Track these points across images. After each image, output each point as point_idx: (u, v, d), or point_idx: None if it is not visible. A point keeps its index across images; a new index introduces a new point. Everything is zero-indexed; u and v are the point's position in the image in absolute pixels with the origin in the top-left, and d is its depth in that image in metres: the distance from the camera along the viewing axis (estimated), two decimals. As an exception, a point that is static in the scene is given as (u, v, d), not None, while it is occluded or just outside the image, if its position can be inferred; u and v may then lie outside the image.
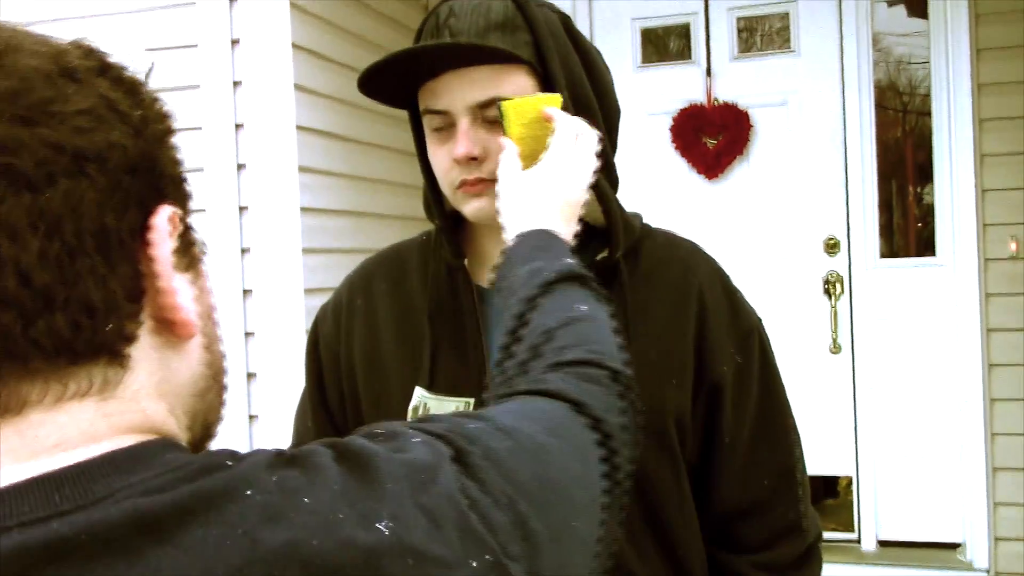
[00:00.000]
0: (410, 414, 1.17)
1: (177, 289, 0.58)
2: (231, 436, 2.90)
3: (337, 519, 0.51)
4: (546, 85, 1.13)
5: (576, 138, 1.07)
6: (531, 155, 1.08)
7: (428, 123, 1.15)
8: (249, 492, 0.51)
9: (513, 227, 1.01)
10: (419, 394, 1.18)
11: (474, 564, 0.54)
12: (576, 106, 1.13)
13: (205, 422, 0.64)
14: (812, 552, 1.22)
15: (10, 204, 0.50)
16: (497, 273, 0.96)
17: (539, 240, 0.97)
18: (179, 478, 0.51)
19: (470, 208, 1.14)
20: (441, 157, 1.14)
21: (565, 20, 1.19)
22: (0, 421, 0.51)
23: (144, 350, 0.57)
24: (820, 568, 1.23)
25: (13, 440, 0.51)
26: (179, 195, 0.60)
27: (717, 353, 1.19)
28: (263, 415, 2.92)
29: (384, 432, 0.61)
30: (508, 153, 1.08)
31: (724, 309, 1.21)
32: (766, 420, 1.21)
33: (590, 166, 1.07)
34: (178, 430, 0.60)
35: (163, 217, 0.57)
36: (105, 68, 0.58)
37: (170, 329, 0.58)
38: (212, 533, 0.48)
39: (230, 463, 0.53)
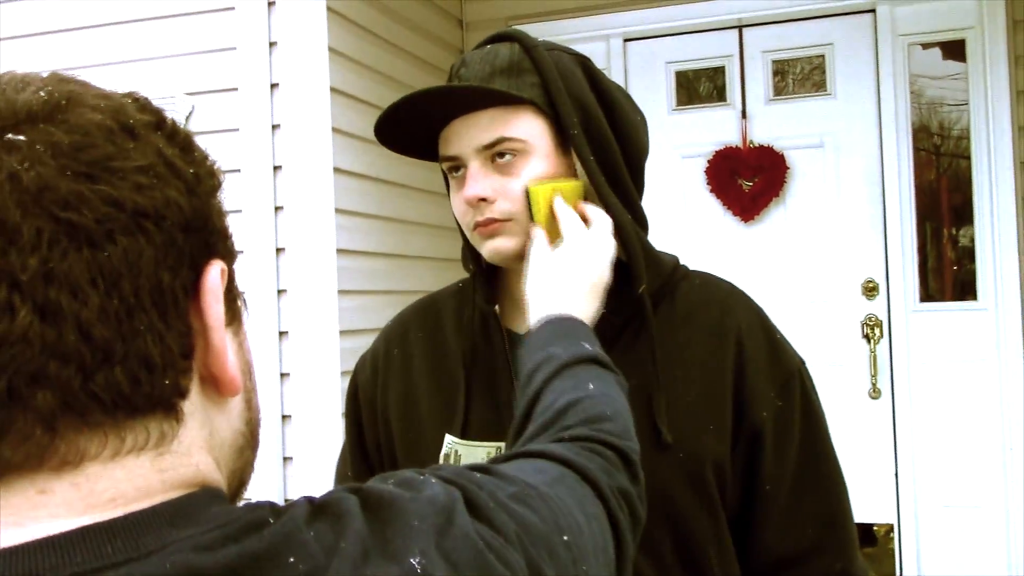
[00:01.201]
0: (441, 461, 1.17)
1: (228, 346, 0.59)
2: (265, 478, 2.89)
3: (367, 570, 0.53)
4: (557, 125, 1.15)
5: (588, 224, 1.12)
6: (559, 235, 1.13)
7: (446, 170, 1.20)
8: (292, 560, 0.52)
9: (535, 312, 1.05)
10: (449, 441, 1.19)
11: None
12: (592, 146, 1.15)
13: (241, 479, 0.65)
14: None
15: (72, 260, 0.51)
16: (521, 357, 1.00)
17: (559, 327, 1.01)
18: (227, 536, 0.52)
19: (486, 249, 1.17)
20: (458, 201, 1.18)
21: (584, 61, 1.21)
22: (59, 473, 0.52)
23: (194, 405, 0.58)
24: None
25: (70, 493, 0.52)
26: (226, 250, 0.61)
27: (757, 398, 1.17)
28: (297, 457, 2.91)
29: (400, 478, 0.63)
30: (537, 239, 1.12)
31: (764, 352, 1.19)
32: (809, 467, 1.18)
33: (608, 248, 1.11)
34: (223, 482, 0.61)
35: (215, 275, 0.58)
36: (160, 124, 0.59)
37: (215, 386, 0.59)
38: None
39: (271, 520, 0.54)
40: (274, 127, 2.95)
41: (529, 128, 1.14)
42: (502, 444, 1.11)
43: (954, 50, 3.73)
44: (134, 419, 0.53)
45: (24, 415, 0.50)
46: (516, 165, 1.14)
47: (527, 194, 1.13)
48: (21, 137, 0.52)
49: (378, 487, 0.59)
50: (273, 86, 2.96)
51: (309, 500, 0.57)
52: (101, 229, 0.52)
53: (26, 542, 0.49)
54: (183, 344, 0.56)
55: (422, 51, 3.61)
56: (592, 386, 0.89)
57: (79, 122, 0.54)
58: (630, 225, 1.16)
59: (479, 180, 1.14)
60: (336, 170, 2.94)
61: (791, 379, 1.20)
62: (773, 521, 1.17)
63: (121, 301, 0.52)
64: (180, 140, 0.59)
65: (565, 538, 0.64)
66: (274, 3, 2.94)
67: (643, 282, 1.16)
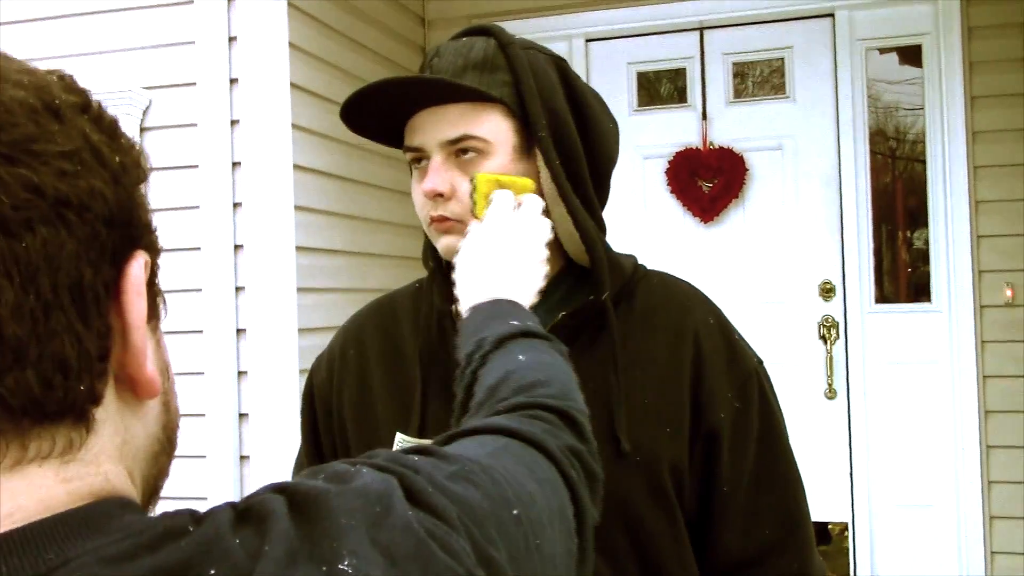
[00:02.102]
0: None
1: (148, 346, 0.54)
2: (222, 477, 2.86)
3: (295, 572, 0.49)
4: (524, 126, 1.14)
5: (515, 207, 1.09)
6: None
7: (409, 160, 1.18)
8: (212, 572, 0.47)
9: (463, 302, 1.03)
10: (400, 439, 1.17)
11: None
12: (559, 149, 1.14)
13: (155, 486, 0.60)
14: None
15: None
16: (457, 351, 0.97)
17: (487, 312, 0.97)
18: (140, 545, 0.47)
19: (440, 244, 1.16)
20: (417, 193, 1.17)
21: (560, 64, 1.19)
22: None
23: (107, 411, 0.53)
24: None
25: None
26: (150, 244, 0.57)
27: (714, 399, 1.16)
28: (255, 456, 2.88)
29: (330, 472, 0.58)
30: (470, 231, 1.10)
31: (721, 353, 1.19)
32: (766, 468, 1.18)
33: (536, 226, 1.08)
34: (135, 493, 0.56)
35: (138, 269, 0.54)
36: (87, 106, 0.54)
37: (132, 388, 0.55)
38: None
39: (191, 528, 0.49)
40: (233, 123, 2.93)
41: (495, 128, 1.13)
42: None
43: (910, 55, 3.78)
44: (41, 426, 0.49)
45: None
46: (478, 163, 1.13)
47: (471, 181, 1.11)
48: None
49: (306, 483, 0.55)
50: (232, 81, 2.93)
51: (232, 505, 0.53)
52: (19, 217, 0.47)
53: None
54: (101, 345, 0.51)
55: (383, 48, 3.59)
56: (523, 357, 0.86)
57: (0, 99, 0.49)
58: (593, 231, 1.16)
59: (440, 174, 1.12)
60: (296, 167, 2.92)
61: (749, 380, 1.19)
62: (731, 522, 1.17)
63: (38, 297, 0.47)
64: (106, 125, 0.55)
65: (515, 512, 0.61)
66: (234, -3, 2.92)
67: (606, 288, 1.15)
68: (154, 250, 0.58)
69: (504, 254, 1.05)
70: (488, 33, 1.17)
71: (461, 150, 1.13)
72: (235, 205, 2.92)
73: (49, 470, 0.49)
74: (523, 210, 1.09)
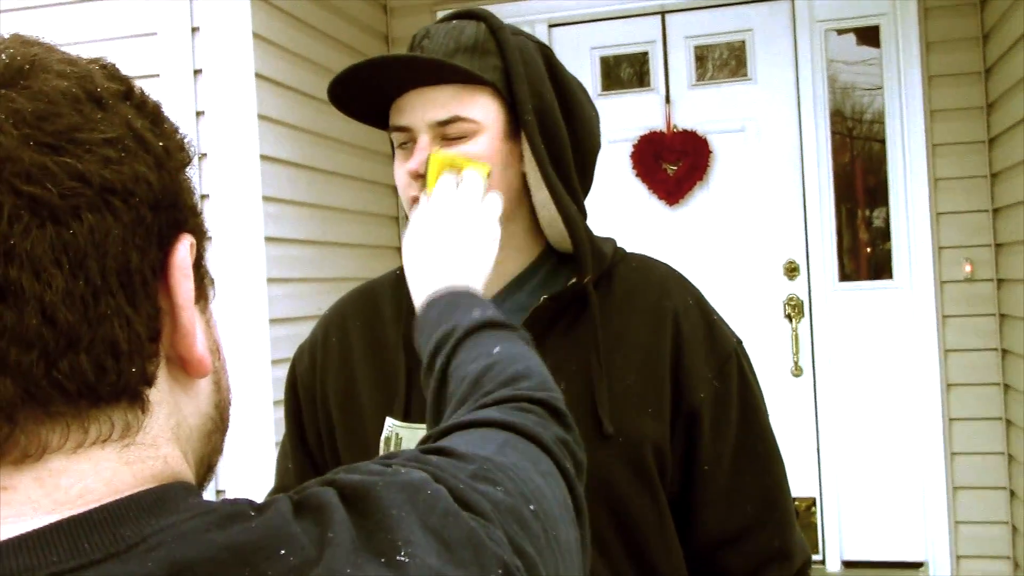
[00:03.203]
0: (382, 445, 1.16)
1: (196, 326, 0.55)
2: (195, 469, 2.85)
3: (356, 571, 0.49)
4: (511, 110, 1.15)
5: (455, 188, 1.08)
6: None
7: (394, 140, 1.18)
8: (283, 552, 0.48)
9: (416, 293, 1.01)
10: (390, 424, 1.17)
11: None
12: (543, 134, 1.15)
13: (208, 464, 0.62)
14: None
15: (35, 237, 0.47)
16: (417, 346, 0.96)
17: (443, 304, 0.96)
18: (210, 522, 0.49)
19: None
20: (400, 173, 1.16)
21: (546, 51, 1.21)
22: (20, 467, 0.48)
23: (161, 392, 0.54)
24: None
25: (34, 490, 0.48)
26: (196, 225, 0.58)
27: (694, 379, 1.17)
28: (228, 447, 2.86)
29: (368, 469, 0.59)
30: (417, 209, 1.09)
31: (701, 333, 1.20)
32: (747, 446, 1.20)
33: (480, 205, 1.07)
34: (191, 476, 0.57)
35: (184, 251, 0.55)
36: (129, 93, 0.55)
37: (183, 368, 0.56)
38: None
39: (253, 513, 0.51)
40: (198, 114, 2.91)
41: (484, 110, 1.13)
42: None
43: (868, 36, 3.83)
44: (98, 408, 0.50)
45: None
46: (464, 145, 1.13)
47: (426, 163, 1.11)
48: None
49: (351, 476, 0.56)
50: (196, 72, 2.91)
51: (288, 496, 0.54)
52: (66, 205, 0.48)
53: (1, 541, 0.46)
54: (151, 327, 0.52)
55: (346, 36, 3.57)
56: (497, 349, 0.86)
57: (43, 89, 0.50)
58: (576, 215, 1.17)
59: (426, 154, 1.12)
60: (263, 157, 2.91)
61: (728, 360, 1.21)
62: (712, 501, 1.18)
63: (87, 283, 0.48)
64: (149, 111, 0.56)
65: (532, 507, 0.62)
66: (196, -12, 2.89)
67: (589, 272, 1.16)
68: (200, 233, 0.59)
69: (449, 236, 1.04)
70: (478, 17, 1.18)
71: (449, 132, 1.13)
72: (202, 196, 2.90)
73: (112, 452, 0.51)
74: (463, 188, 1.08)
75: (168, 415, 0.55)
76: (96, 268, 0.49)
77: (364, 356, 1.25)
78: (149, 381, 0.53)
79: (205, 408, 0.59)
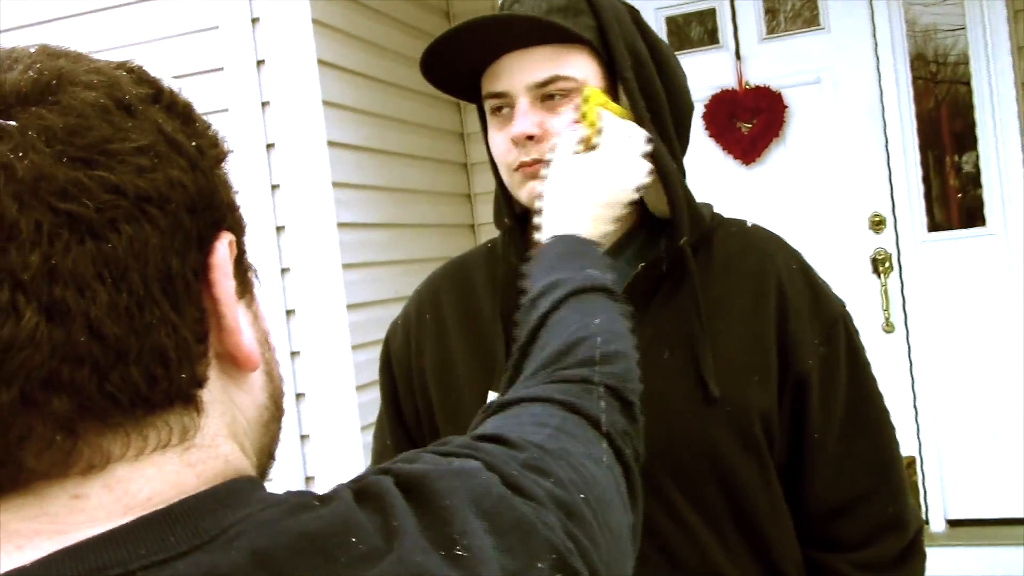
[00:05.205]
0: None
1: (240, 322, 0.56)
2: (284, 457, 2.87)
3: (425, 559, 0.51)
4: (610, 70, 1.12)
5: (625, 140, 1.06)
6: (593, 145, 1.07)
7: (489, 108, 1.15)
8: (353, 540, 0.50)
9: (548, 224, 1.00)
10: (493, 397, 1.15)
11: (542, 566, 0.55)
12: (643, 93, 1.12)
13: (268, 452, 0.63)
14: (914, 546, 1.16)
15: (75, 254, 0.48)
16: (527, 277, 0.95)
17: (569, 246, 0.96)
18: (283, 511, 0.51)
19: (526, 191, 1.13)
20: (499, 140, 1.14)
21: (633, 12, 1.18)
22: (88, 477, 0.50)
23: (213, 391, 0.55)
24: (924, 562, 1.17)
25: (104, 496, 0.50)
26: (234, 221, 0.58)
27: (801, 346, 1.14)
28: (314, 435, 2.89)
29: (422, 460, 0.60)
30: (568, 134, 1.06)
31: (806, 299, 1.16)
32: (857, 412, 1.16)
33: (636, 170, 1.06)
34: (252, 468, 0.59)
35: (223, 250, 0.55)
36: (158, 95, 0.55)
37: (233, 363, 0.57)
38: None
39: (318, 503, 0.53)
40: (264, 104, 2.91)
41: (583, 69, 1.11)
42: None
43: (947, -26, 3.66)
44: (154, 415, 0.51)
45: (43, 421, 0.48)
46: (565, 105, 1.11)
47: (583, 94, 1.09)
48: (12, 123, 0.49)
49: (406, 465, 0.58)
50: (259, 63, 2.90)
51: (347, 486, 0.56)
52: (103, 218, 0.48)
53: (89, 538, 0.47)
54: (197, 330, 0.53)
55: (407, 16, 3.54)
56: (597, 321, 0.85)
57: (72, 102, 0.50)
58: (675, 174, 1.14)
59: (528, 117, 1.10)
60: (330, 143, 2.90)
61: (835, 325, 1.17)
62: (823, 469, 1.15)
63: (130, 294, 0.49)
64: (180, 111, 0.56)
65: (582, 496, 0.62)
66: (253, -23, 2.88)
67: (685, 232, 1.13)
68: (239, 228, 0.59)
69: (601, 186, 1.02)
70: None
71: (548, 93, 1.10)
72: (273, 187, 2.90)
73: (173, 456, 0.52)
74: (632, 145, 1.06)
75: (222, 412, 0.56)
76: (138, 279, 0.50)
77: (459, 330, 1.24)
78: (200, 383, 0.54)
79: (260, 399, 0.60)
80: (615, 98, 1.13)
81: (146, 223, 0.50)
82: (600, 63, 1.12)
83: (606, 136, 1.06)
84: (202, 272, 0.54)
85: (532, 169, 1.11)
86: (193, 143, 0.55)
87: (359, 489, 0.55)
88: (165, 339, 0.51)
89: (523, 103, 1.10)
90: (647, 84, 1.12)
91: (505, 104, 1.13)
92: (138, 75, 0.56)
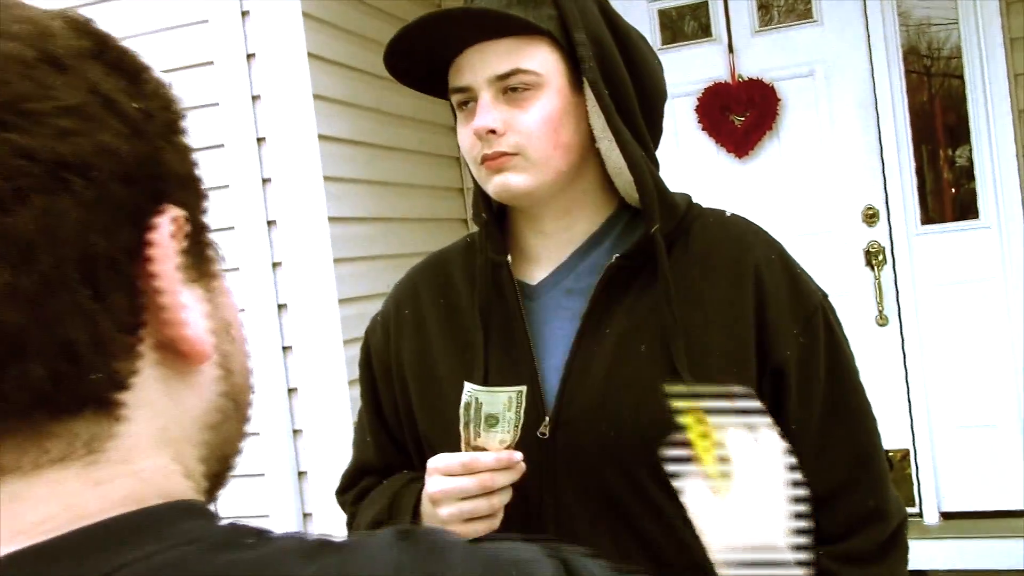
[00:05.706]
0: (461, 411, 1.14)
1: (184, 308, 0.48)
2: (277, 452, 2.87)
3: None
4: (572, 60, 1.11)
5: (759, 458, 0.91)
6: (722, 476, 0.88)
7: (455, 102, 1.15)
8: None
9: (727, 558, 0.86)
10: (469, 388, 1.15)
11: None
12: (607, 82, 1.11)
13: (221, 455, 0.54)
14: (896, 538, 1.15)
15: None
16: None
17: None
18: (199, 550, 0.43)
19: (492, 186, 1.13)
20: (464, 135, 1.14)
21: (601, 2, 1.17)
22: None
23: (144, 392, 0.47)
24: (906, 554, 1.16)
25: None
26: (188, 195, 0.50)
27: (779, 336, 1.13)
28: (307, 429, 2.88)
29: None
30: (692, 487, 0.90)
31: (784, 288, 1.15)
32: (836, 403, 1.15)
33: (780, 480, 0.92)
34: (187, 484, 0.50)
35: (164, 227, 0.47)
36: (101, 51, 0.47)
37: (178, 355, 0.48)
38: None
39: (253, 540, 0.44)
40: (254, 98, 2.90)
41: (544, 61, 1.10)
42: (523, 388, 1.06)
43: (940, -34, 3.65)
44: (58, 422, 0.43)
45: None
46: (528, 99, 1.10)
47: (683, 421, 0.90)
48: None
49: (409, 526, 0.49)
50: (249, 56, 2.89)
51: (317, 538, 0.47)
52: (9, 187, 0.41)
53: None
54: (125, 320, 0.45)
55: (398, 8, 3.53)
56: None
57: None
58: (643, 162, 1.13)
59: (490, 111, 1.10)
60: (321, 137, 2.89)
61: (814, 314, 1.16)
62: (802, 461, 1.12)
63: (37, 277, 0.41)
64: (126, 69, 0.48)
65: None
66: (243, -29, 2.87)
67: (656, 222, 1.12)
68: (194, 202, 0.51)
69: (766, 516, 0.88)
70: None
71: (511, 86, 1.10)
72: (264, 181, 2.90)
73: (73, 471, 0.44)
74: (766, 450, 0.91)
75: (151, 418, 0.47)
76: (48, 260, 0.42)
77: (439, 324, 1.23)
78: (120, 384, 0.45)
79: (210, 396, 0.52)
80: (579, 90, 1.12)
81: (63, 194, 0.42)
82: (563, 54, 1.11)
83: (736, 463, 0.88)
84: (138, 252, 0.46)
85: (496, 163, 1.10)
86: (137, 105, 0.47)
87: (324, 540, 0.46)
88: (77, 331, 0.43)
89: (485, 97, 1.10)
90: (611, 73, 1.11)
91: (469, 98, 1.12)
92: (80, 27, 0.48)
